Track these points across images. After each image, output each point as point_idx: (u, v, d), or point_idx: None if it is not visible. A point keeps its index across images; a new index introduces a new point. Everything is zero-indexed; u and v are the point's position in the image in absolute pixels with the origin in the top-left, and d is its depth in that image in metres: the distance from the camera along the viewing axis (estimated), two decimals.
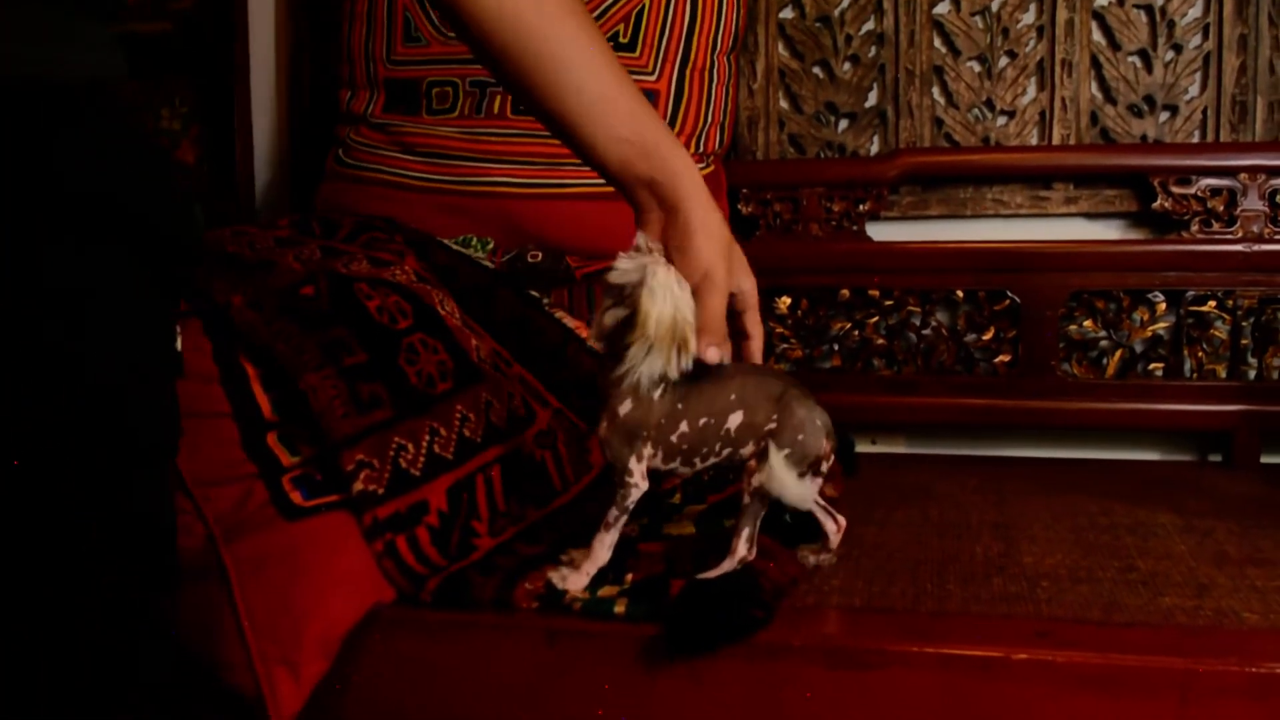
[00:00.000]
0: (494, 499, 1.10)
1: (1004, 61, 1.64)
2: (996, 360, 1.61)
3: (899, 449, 1.70)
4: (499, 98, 1.53)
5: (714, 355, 0.98)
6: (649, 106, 1.02)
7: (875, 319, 1.63)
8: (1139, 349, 1.59)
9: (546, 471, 1.19)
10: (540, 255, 1.47)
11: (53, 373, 0.68)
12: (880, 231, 1.65)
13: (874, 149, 1.67)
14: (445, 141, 1.54)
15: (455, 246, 1.42)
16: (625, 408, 0.97)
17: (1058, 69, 1.61)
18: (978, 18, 1.63)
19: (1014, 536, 1.22)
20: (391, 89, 1.60)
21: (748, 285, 1.06)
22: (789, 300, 1.64)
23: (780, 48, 1.68)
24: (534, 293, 1.39)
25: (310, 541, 0.98)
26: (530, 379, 1.28)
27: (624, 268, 0.93)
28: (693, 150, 1.52)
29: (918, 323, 1.62)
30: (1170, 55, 1.60)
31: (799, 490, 0.98)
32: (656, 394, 0.96)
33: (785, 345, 1.65)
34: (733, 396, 0.99)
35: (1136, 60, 1.61)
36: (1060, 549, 1.17)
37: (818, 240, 1.63)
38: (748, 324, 1.07)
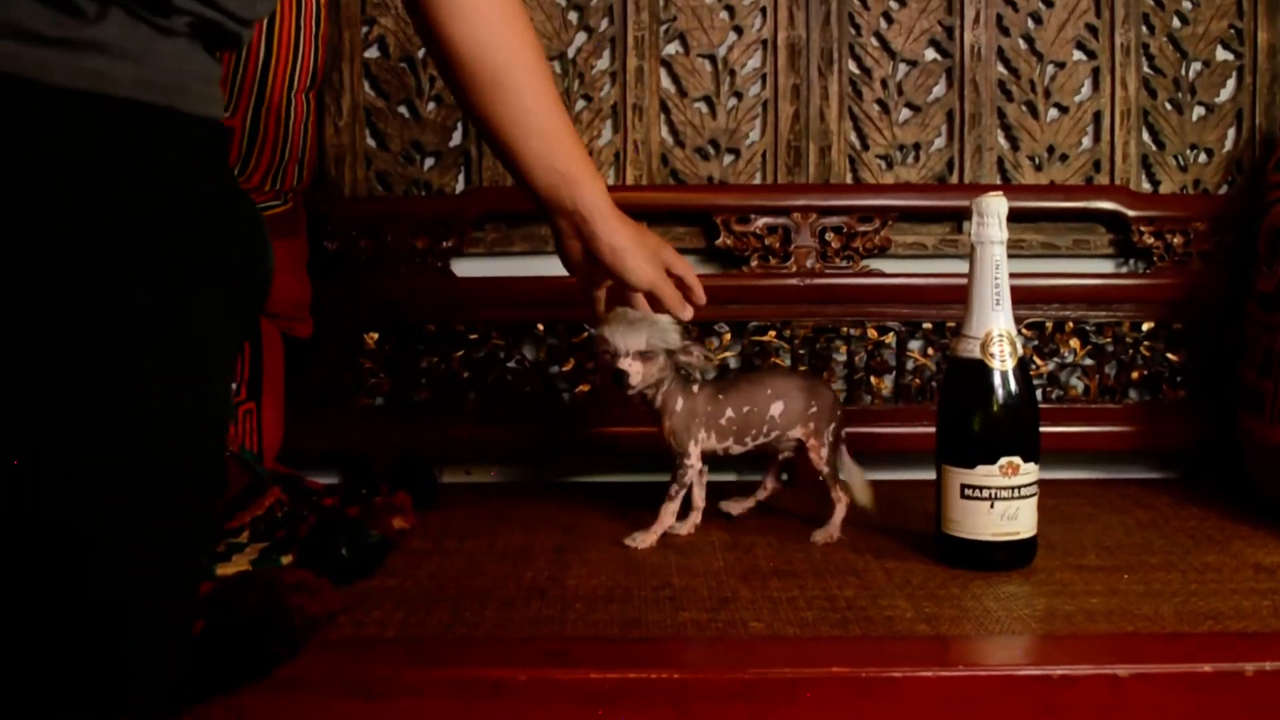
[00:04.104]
0: None
1: (580, 105, 1.71)
2: (578, 390, 1.68)
3: (491, 479, 1.74)
4: None
5: (688, 313, 1.32)
6: (577, 138, 1.23)
7: (461, 353, 1.66)
8: (709, 377, 1.68)
9: None
10: None
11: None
12: (465, 268, 1.69)
13: (459, 187, 1.71)
14: None
15: None
16: (678, 406, 1.33)
17: (630, 113, 1.70)
18: (555, 62, 1.70)
19: (569, 560, 1.27)
20: None
21: (667, 253, 1.32)
22: (376, 335, 1.66)
23: (366, 86, 1.70)
24: None
25: None
26: None
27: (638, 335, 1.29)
28: (269, 187, 1.52)
29: (503, 355, 1.67)
30: (732, 102, 1.72)
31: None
32: (696, 389, 1.35)
33: (374, 380, 1.66)
34: (769, 390, 1.36)
35: (702, 106, 1.72)
36: (606, 570, 1.23)
37: (403, 277, 1.65)
38: (684, 276, 1.34)
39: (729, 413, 1.35)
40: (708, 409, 1.34)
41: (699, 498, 1.39)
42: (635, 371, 1.29)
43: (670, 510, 1.35)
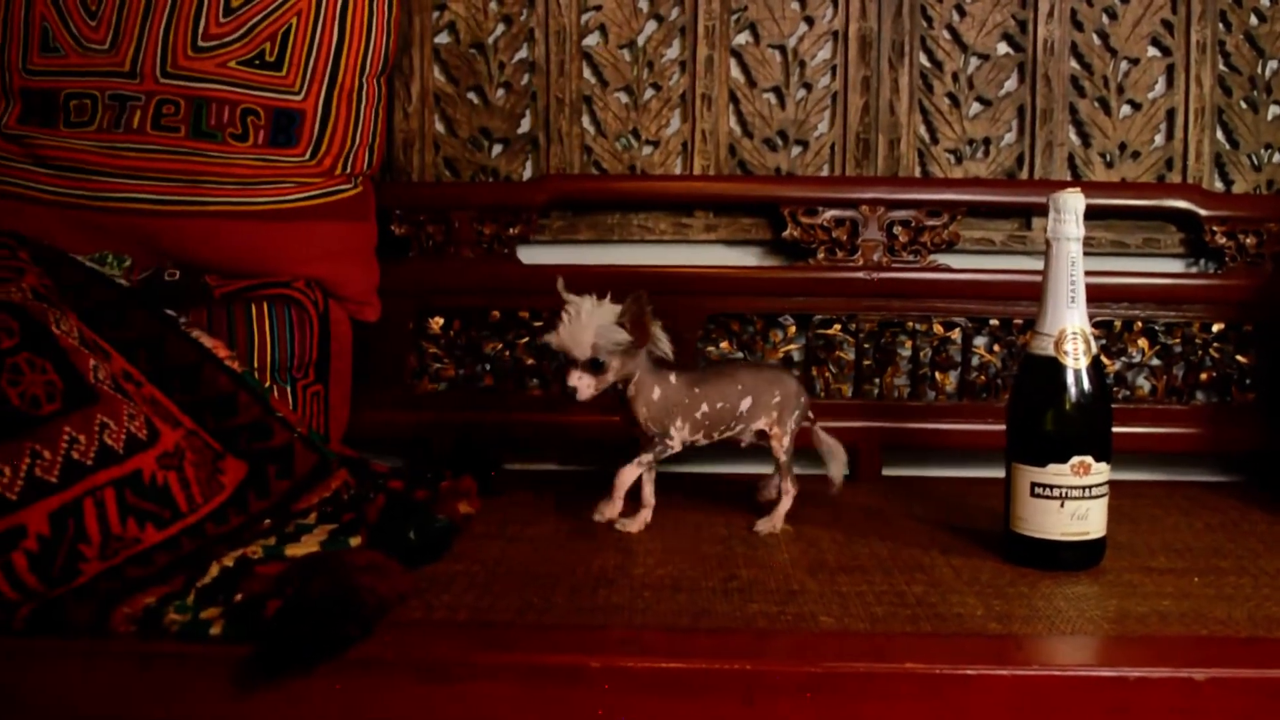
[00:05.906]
0: (106, 522, 1.08)
1: (649, 93, 1.71)
2: None
3: (551, 466, 1.75)
4: (139, 112, 1.50)
5: None
6: None
7: (526, 339, 1.67)
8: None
9: (170, 493, 1.17)
10: (178, 274, 1.45)
11: None
12: (530, 255, 1.69)
13: (527, 174, 1.71)
14: (81, 155, 1.49)
15: (89, 264, 1.39)
16: (655, 395, 1.32)
17: (699, 102, 1.69)
18: (625, 50, 1.70)
19: (634, 549, 1.28)
20: (28, 99, 1.54)
21: None
22: (441, 320, 1.67)
23: (436, 72, 1.71)
24: (170, 312, 1.37)
25: None
26: (162, 399, 1.27)
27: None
28: (340, 171, 1.53)
29: None
30: (801, 93, 1.71)
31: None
32: (673, 380, 1.34)
33: (438, 365, 1.67)
34: (740, 386, 1.35)
35: (771, 97, 1.71)
36: (672, 560, 1.24)
37: (469, 262, 1.66)
38: None
39: (704, 407, 1.35)
40: (684, 401, 1.34)
41: (649, 495, 1.40)
42: (585, 386, 1.29)
43: (629, 474, 1.36)
